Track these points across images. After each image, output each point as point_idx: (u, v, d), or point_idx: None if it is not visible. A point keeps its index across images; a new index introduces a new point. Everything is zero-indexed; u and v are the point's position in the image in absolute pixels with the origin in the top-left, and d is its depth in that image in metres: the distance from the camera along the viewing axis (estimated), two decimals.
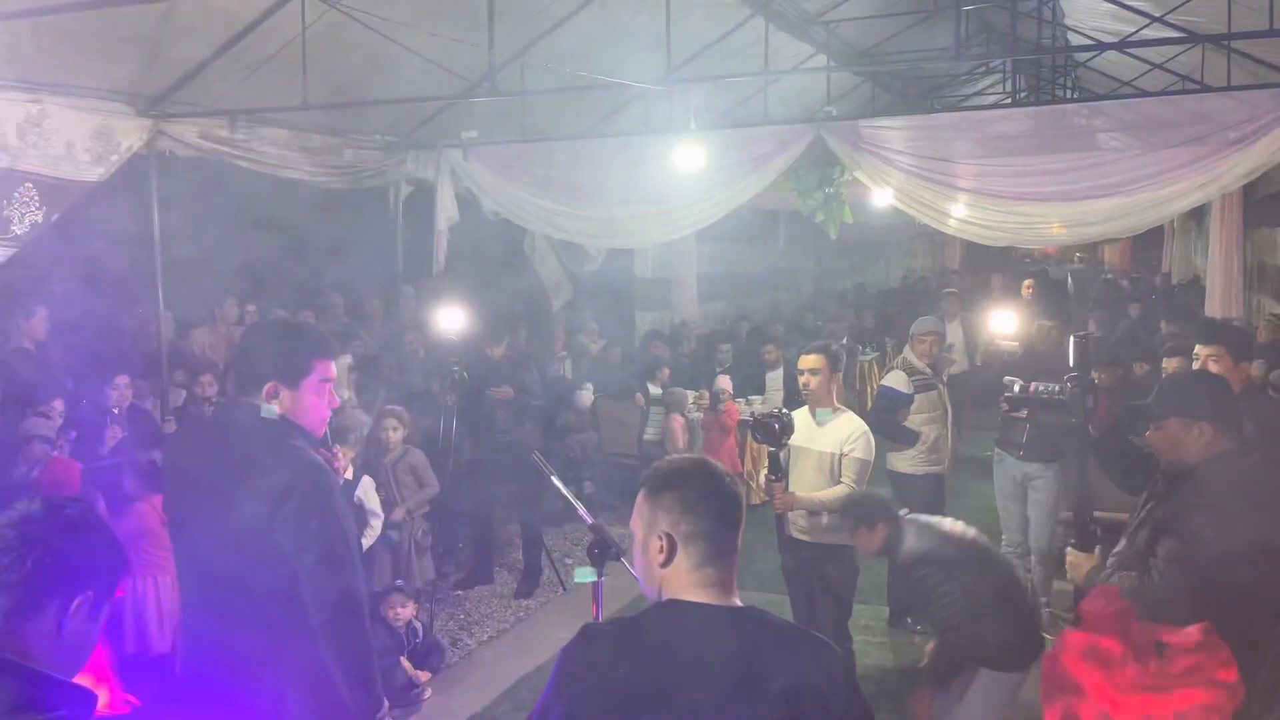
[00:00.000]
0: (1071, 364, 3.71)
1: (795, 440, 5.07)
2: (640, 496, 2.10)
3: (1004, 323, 7.08)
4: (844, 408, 5.28)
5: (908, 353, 6.69)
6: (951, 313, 10.41)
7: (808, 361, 5.21)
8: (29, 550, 1.71)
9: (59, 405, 5.94)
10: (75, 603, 1.75)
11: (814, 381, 5.15)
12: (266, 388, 2.85)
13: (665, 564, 2.02)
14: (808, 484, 5.08)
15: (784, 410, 5.16)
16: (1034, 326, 6.58)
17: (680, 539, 2.01)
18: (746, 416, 5.33)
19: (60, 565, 1.74)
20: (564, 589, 7.48)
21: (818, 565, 5.12)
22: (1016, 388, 3.73)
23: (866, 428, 5.18)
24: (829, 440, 5.11)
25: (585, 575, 3.18)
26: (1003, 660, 4.26)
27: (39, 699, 1.64)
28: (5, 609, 1.70)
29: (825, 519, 5.04)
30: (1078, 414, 3.67)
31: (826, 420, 5.16)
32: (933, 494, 6.57)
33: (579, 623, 2.15)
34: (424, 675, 5.83)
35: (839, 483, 5.05)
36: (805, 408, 5.28)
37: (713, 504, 2.03)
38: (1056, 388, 3.67)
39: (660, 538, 2.02)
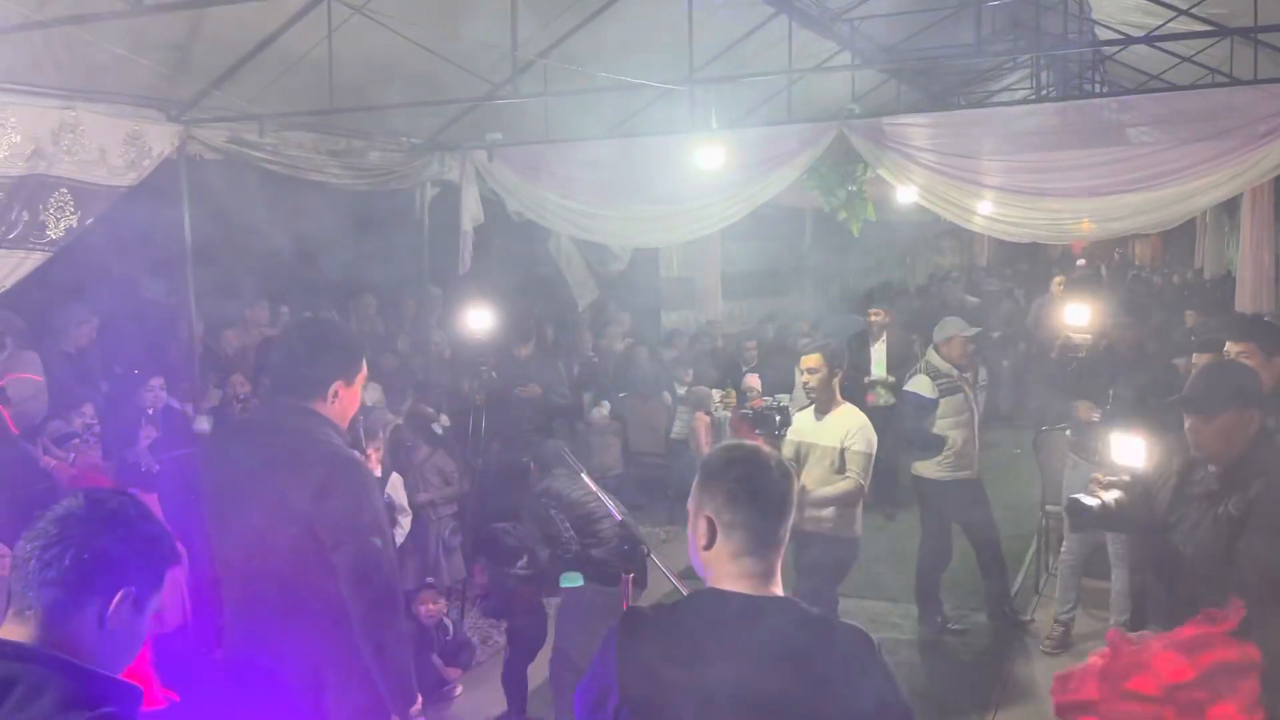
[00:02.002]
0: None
1: (800, 437, 5.31)
2: (696, 479, 2.13)
3: (1077, 316, 7.05)
4: (844, 402, 5.40)
5: (931, 356, 6.55)
6: (877, 332, 8.64)
7: (808, 361, 5.35)
8: (69, 546, 1.72)
9: (89, 409, 6.04)
10: (117, 597, 1.75)
11: (814, 380, 5.31)
12: (334, 386, 2.92)
13: (706, 547, 2.07)
14: (815, 479, 5.24)
15: (782, 402, 5.27)
16: (1111, 325, 6.49)
17: (721, 527, 2.05)
18: (747, 410, 5.42)
19: (99, 560, 1.74)
20: None
21: (808, 549, 5.23)
22: (1093, 501, 3.58)
23: (866, 420, 5.29)
24: (831, 435, 5.24)
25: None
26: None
27: (85, 695, 1.65)
28: (48, 605, 1.71)
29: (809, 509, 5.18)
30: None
31: (827, 416, 5.32)
32: (962, 500, 6.49)
33: (606, 618, 2.19)
34: (454, 672, 5.88)
35: (844, 476, 5.19)
36: (810, 406, 5.43)
37: (756, 496, 2.05)
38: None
39: (703, 520, 2.07)
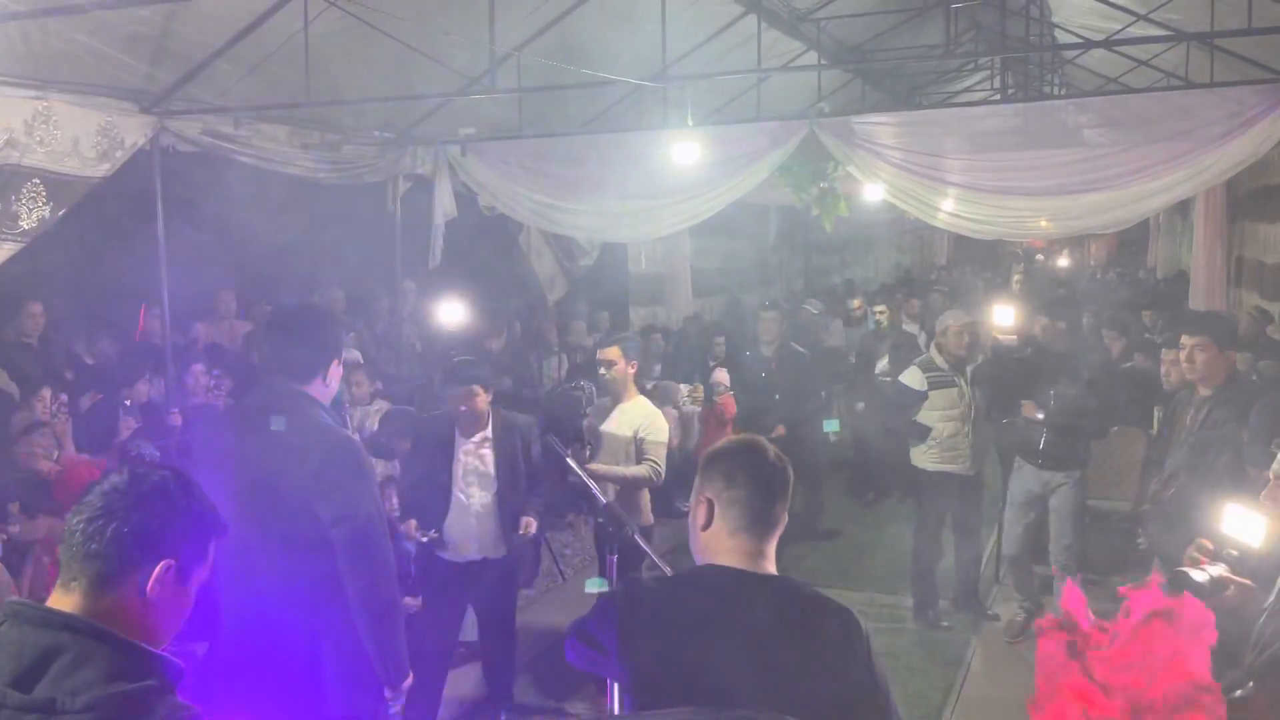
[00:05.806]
0: None
1: (595, 424, 5.49)
2: (698, 472, 2.26)
3: (1003, 317, 7.14)
4: (638, 395, 5.60)
5: (933, 349, 6.73)
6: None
7: (607, 354, 5.53)
8: (110, 519, 1.78)
9: (46, 393, 6.03)
10: (158, 570, 1.81)
11: (612, 372, 5.48)
12: (326, 369, 3.01)
13: (705, 527, 2.17)
14: (606, 464, 5.42)
15: (586, 384, 5.45)
16: (1036, 325, 6.53)
17: (720, 506, 2.16)
18: (553, 388, 5.62)
19: (139, 533, 1.80)
20: (563, 579, 7.60)
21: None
22: (1201, 576, 3.21)
23: (658, 412, 5.55)
24: (625, 424, 5.42)
25: (596, 585, 3.30)
26: None
27: (128, 668, 1.71)
28: (92, 576, 1.77)
29: (612, 492, 5.34)
30: None
31: (620, 407, 5.50)
32: (952, 493, 6.59)
33: (577, 611, 2.28)
34: None
35: (639, 463, 5.40)
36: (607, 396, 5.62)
37: (753, 476, 2.16)
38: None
39: (703, 503, 2.18)
